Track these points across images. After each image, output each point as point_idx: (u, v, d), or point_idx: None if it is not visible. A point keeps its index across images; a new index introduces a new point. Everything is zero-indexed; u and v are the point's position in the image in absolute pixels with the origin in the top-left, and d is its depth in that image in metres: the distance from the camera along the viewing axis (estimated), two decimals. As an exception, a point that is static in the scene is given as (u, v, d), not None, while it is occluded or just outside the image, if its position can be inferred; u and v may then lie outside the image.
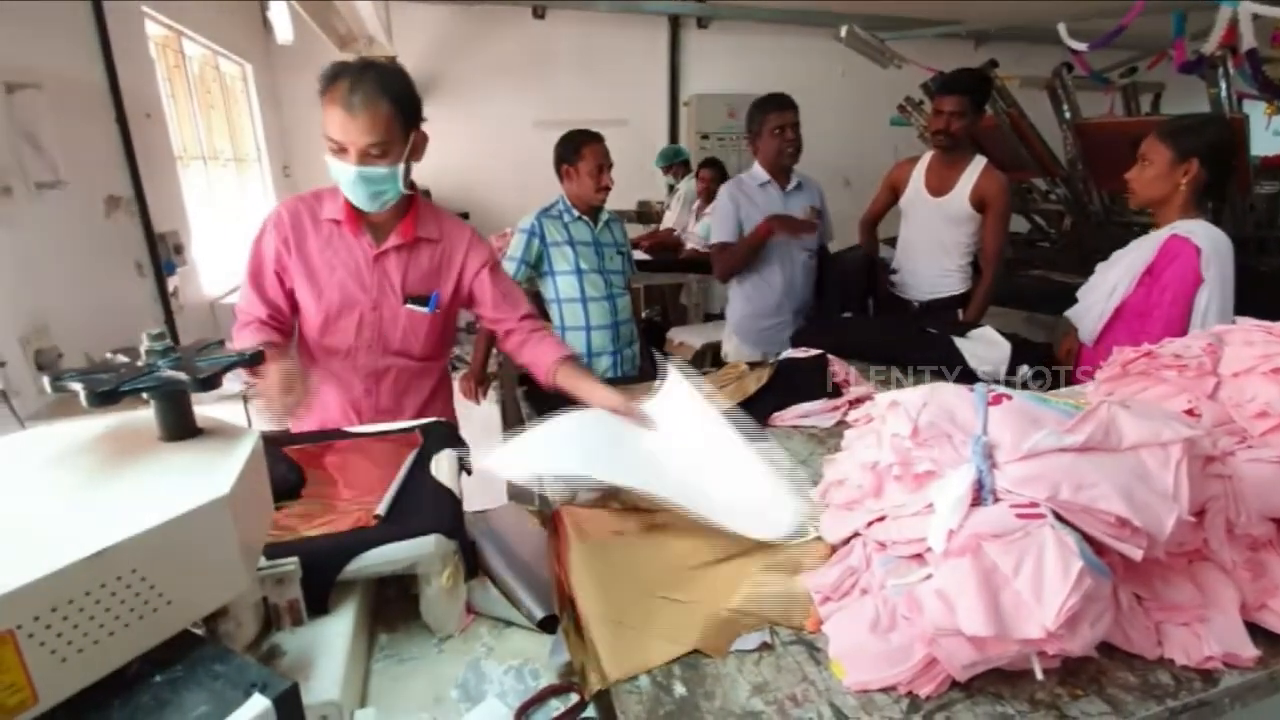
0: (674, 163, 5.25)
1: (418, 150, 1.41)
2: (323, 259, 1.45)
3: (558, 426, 1.23)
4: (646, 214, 5.79)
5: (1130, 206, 2.06)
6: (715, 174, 4.38)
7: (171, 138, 3.13)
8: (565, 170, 2.30)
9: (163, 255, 2.75)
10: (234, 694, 0.55)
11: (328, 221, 1.45)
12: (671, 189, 5.26)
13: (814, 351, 1.75)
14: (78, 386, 0.62)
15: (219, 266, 3.57)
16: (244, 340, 1.39)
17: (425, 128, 1.43)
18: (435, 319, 1.53)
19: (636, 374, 2.16)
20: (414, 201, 1.49)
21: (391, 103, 1.31)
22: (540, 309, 2.68)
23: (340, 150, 1.31)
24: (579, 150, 2.25)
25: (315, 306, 1.46)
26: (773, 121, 2.38)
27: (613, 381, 1.88)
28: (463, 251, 1.53)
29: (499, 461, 1.14)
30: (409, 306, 1.50)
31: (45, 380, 0.63)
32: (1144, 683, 0.78)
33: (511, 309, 1.55)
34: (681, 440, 1.25)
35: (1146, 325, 1.65)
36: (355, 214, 1.45)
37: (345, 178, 1.34)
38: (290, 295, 1.47)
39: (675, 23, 5.93)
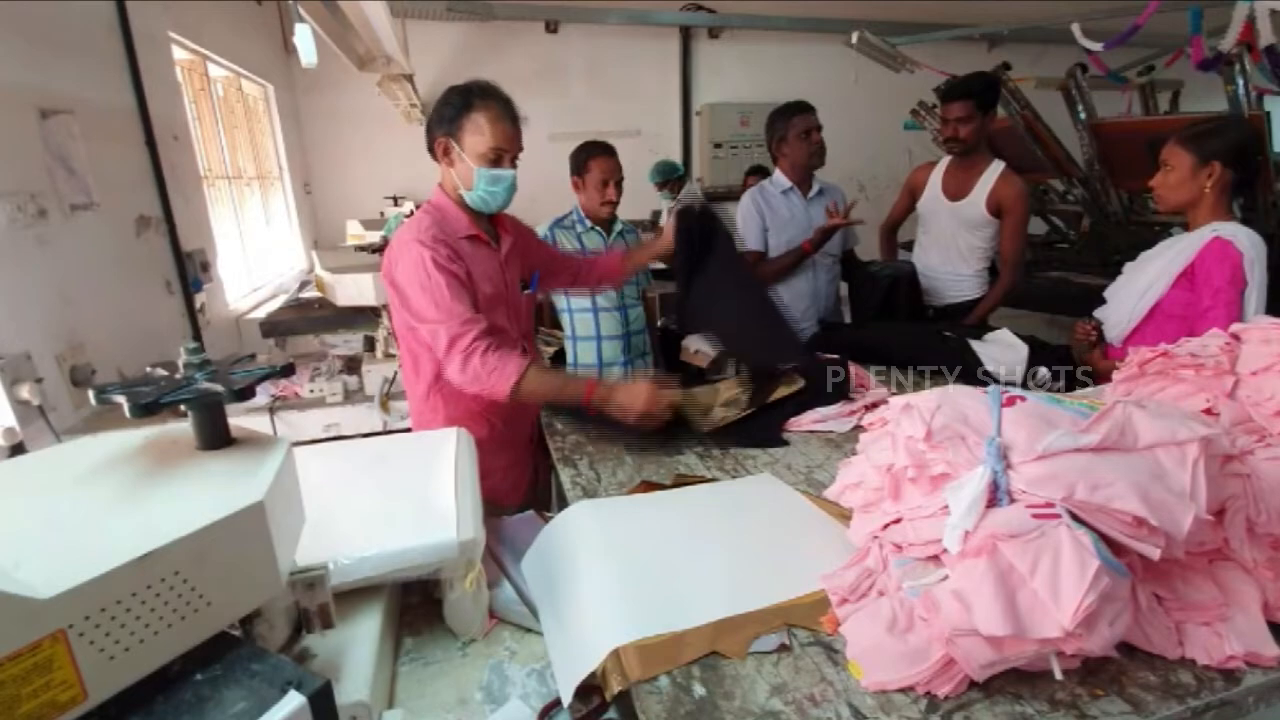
0: (670, 179, 4.97)
1: None
2: (479, 273, 1.54)
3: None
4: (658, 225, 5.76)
5: (1158, 211, 2.03)
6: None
7: (197, 158, 3.22)
8: (575, 182, 2.36)
9: (190, 273, 2.81)
10: (270, 691, 0.57)
11: (464, 239, 1.54)
12: (669, 211, 5.03)
13: (829, 356, 1.76)
14: (121, 399, 0.65)
15: (243, 283, 3.65)
16: (511, 359, 1.42)
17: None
18: (532, 297, 1.78)
19: None
20: None
21: None
22: (553, 317, 2.71)
23: (498, 158, 1.47)
24: (585, 163, 2.31)
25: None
26: (799, 125, 2.37)
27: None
28: (522, 231, 1.74)
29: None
30: (525, 293, 1.72)
31: (90, 393, 0.67)
32: (1165, 682, 0.77)
33: (567, 255, 1.96)
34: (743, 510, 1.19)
35: (1195, 328, 1.60)
36: (477, 226, 1.57)
37: (503, 182, 1.50)
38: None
39: (686, 34, 5.97)
